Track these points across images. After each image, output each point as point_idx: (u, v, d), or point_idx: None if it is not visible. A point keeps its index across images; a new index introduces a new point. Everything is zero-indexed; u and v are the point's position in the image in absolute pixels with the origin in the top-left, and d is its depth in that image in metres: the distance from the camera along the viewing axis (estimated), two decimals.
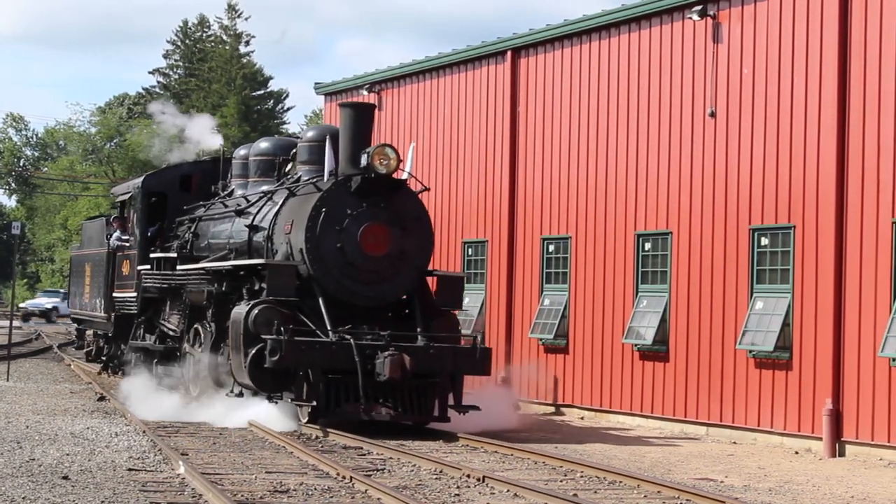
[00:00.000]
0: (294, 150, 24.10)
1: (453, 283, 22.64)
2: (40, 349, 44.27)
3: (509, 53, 27.67)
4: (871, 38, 20.21)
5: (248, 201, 24.37)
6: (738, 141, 22.40)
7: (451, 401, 21.05)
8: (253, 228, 23.29)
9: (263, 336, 20.43)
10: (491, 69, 28.35)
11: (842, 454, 20.11)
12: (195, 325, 24.49)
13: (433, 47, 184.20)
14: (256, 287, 21.81)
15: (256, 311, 20.76)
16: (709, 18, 22.99)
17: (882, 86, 20.01)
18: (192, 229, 26.41)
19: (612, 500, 14.24)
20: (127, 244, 29.19)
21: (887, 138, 19.88)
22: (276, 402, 20.82)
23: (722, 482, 16.43)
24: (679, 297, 23.30)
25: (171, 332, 25.99)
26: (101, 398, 25.12)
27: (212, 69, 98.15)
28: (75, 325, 37.96)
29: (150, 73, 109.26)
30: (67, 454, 16.54)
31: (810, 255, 20.95)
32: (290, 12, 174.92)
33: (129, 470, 15.26)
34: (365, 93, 31.98)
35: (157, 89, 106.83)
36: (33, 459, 15.92)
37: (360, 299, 21.55)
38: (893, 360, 19.52)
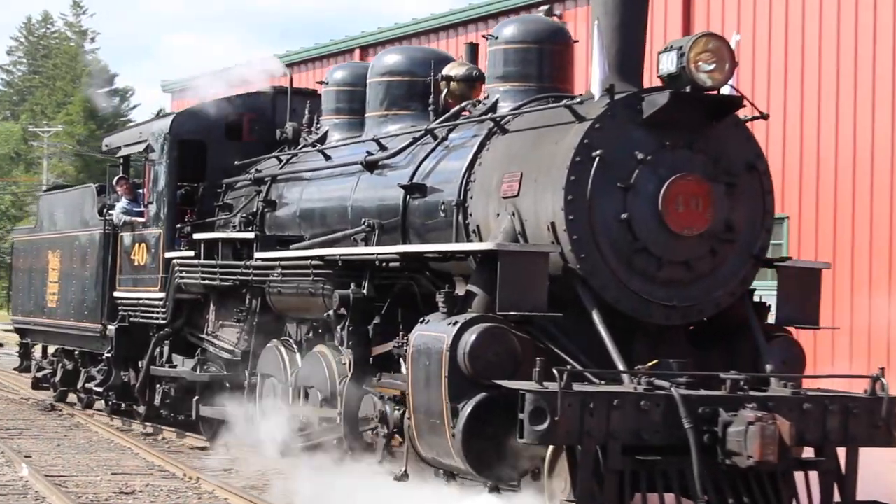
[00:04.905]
0: (464, 68, 14.78)
1: (809, 282, 12.47)
2: None
3: (357, 52, 27.73)
4: None
5: (380, 146, 14.74)
6: None
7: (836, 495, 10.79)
8: (412, 189, 13.70)
9: (496, 382, 10.74)
10: None
11: None
12: (273, 345, 15.82)
13: (276, 45, 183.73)
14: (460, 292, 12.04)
15: (475, 337, 10.91)
16: (555, 18, 23.18)
17: None
18: (264, 194, 17.11)
19: None
20: (141, 218, 19.60)
21: None
22: (501, 493, 11.34)
23: None
24: None
25: (224, 354, 17.24)
26: None
27: (56, 66, 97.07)
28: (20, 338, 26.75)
29: None
30: None
31: None
32: (117, 8, 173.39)
33: None
34: None
35: (0, 86, 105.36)
36: None
37: (657, 313, 11.54)
38: None
